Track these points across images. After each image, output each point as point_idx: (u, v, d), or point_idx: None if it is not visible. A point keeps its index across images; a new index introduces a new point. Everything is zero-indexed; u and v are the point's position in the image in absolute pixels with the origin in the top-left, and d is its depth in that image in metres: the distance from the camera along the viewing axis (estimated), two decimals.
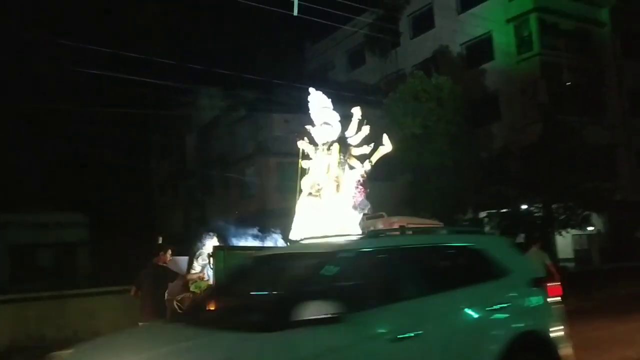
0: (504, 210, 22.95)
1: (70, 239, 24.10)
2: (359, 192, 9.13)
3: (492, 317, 5.15)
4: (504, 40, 27.15)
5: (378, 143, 9.47)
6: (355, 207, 9.02)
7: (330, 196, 9.02)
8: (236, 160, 24.40)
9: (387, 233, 5.85)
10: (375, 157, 9.36)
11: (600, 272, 21.83)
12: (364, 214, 9.16)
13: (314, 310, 3.98)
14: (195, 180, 27.93)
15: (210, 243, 9.12)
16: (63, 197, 25.59)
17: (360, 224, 8.95)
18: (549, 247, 20.74)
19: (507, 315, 5.27)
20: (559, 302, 5.69)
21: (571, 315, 11.64)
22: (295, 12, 14.96)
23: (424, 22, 30.40)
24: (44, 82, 24.65)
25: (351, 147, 9.40)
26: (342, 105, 27.36)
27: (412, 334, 4.47)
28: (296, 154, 24.51)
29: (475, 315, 5.07)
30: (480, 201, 23.16)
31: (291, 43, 35.82)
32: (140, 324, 7.57)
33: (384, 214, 9.77)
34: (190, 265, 9.14)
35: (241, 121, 24.59)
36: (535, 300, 5.55)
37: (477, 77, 27.94)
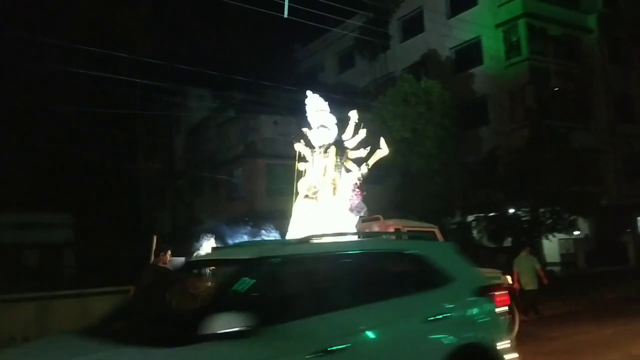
0: (492, 214, 23.08)
1: (56, 240, 23.88)
2: (356, 195, 9.14)
3: (431, 328, 4.78)
4: (492, 45, 27.35)
5: (369, 146, 9.51)
6: (351, 210, 9.03)
7: (327, 199, 9.04)
8: (225, 161, 24.33)
9: (319, 238, 5.26)
10: (372, 161, 9.34)
11: (586, 276, 22.02)
12: (360, 217, 9.18)
13: (224, 323, 3.69)
14: (184, 181, 27.81)
15: (208, 244, 9.20)
16: (49, 198, 25.37)
17: (356, 226, 9.01)
18: (536, 252, 20.89)
19: (448, 326, 4.89)
20: (507, 312, 5.43)
21: (558, 318, 11.77)
22: (286, 14, 14.96)
23: (413, 26, 30.55)
24: (30, 81, 24.43)
25: (348, 150, 9.41)
26: (331, 107, 27.32)
27: (337, 348, 4.12)
28: (285, 156, 24.39)
29: (412, 327, 4.72)
30: (468, 205, 23.28)
31: (281, 45, 35.87)
32: None
33: (380, 216, 9.80)
34: None
35: (230, 122, 24.54)
36: (480, 310, 5.21)
37: (466, 81, 28.11)
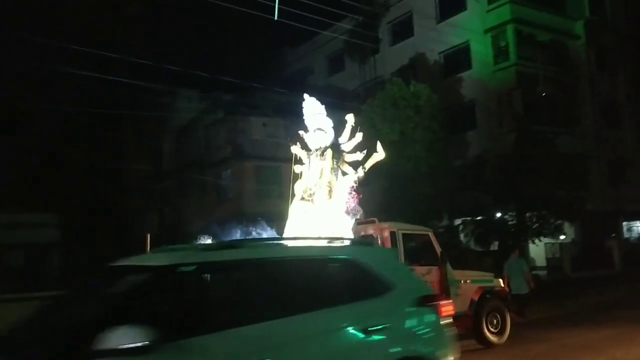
0: (479, 217, 23.19)
1: (41, 240, 23.63)
2: (352, 197, 9.32)
3: (364, 341, 4.38)
4: (481, 50, 27.53)
5: (359, 149, 9.59)
6: (347, 213, 9.21)
7: (323, 201, 9.19)
8: (213, 162, 24.27)
9: (246, 243, 5.01)
10: (369, 164, 9.61)
11: (571, 280, 22.20)
12: (356, 219, 9.33)
13: (121, 338, 3.33)
14: (171, 182, 27.69)
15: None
16: (35, 198, 25.12)
17: (352, 229, 9.15)
18: (523, 256, 21.01)
19: (384, 338, 4.47)
20: (451, 323, 5.08)
21: (543, 323, 11.84)
22: (276, 17, 14.97)
23: (403, 30, 30.69)
24: (15, 80, 24.20)
25: (344, 154, 9.64)
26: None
27: None
28: (274, 158, 24.38)
29: (343, 339, 4.36)
30: (455, 208, 23.38)
31: (271, 47, 35.85)
32: None
33: (375, 219, 9.86)
34: None
35: (219, 124, 24.49)
36: (420, 321, 4.83)
37: (455, 86, 28.27)
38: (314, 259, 4.86)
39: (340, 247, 5.35)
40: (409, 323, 4.80)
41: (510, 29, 26.99)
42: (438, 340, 4.89)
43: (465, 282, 10.16)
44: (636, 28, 31.07)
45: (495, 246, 22.68)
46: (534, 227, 22.18)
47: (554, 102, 27.62)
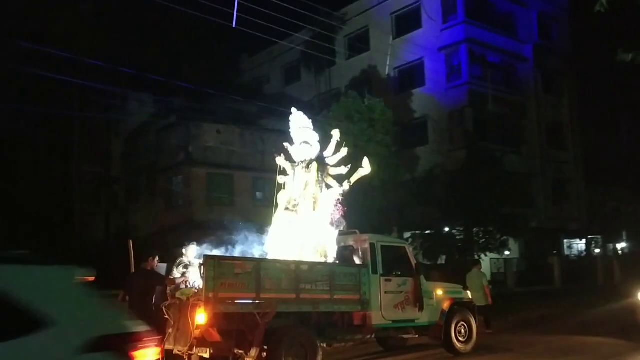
0: (428, 232, 23.59)
1: None
2: (337, 210, 9.61)
3: None
4: (435, 67, 28.15)
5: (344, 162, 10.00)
6: (332, 224, 9.47)
7: (307, 212, 9.40)
8: (164, 168, 23.82)
9: None
10: (354, 178, 9.96)
11: (514, 295, 22.78)
12: (340, 231, 9.57)
13: None
14: (120, 186, 27.04)
15: (192, 251, 9.12)
16: None
17: (336, 240, 9.43)
18: (468, 270, 21.47)
19: None
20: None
21: (486, 337, 12.09)
22: (234, 24, 14.92)
23: (359, 44, 31.08)
24: None
25: (329, 167, 9.89)
26: (275, 119, 27.22)
27: None
28: (227, 166, 24.06)
29: None
30: (405, 222, 23.72)
31: (228, 54, 35.63)
32: None
33: (357, 231, 10.02)
34: (169, 272, 9.12)
35: (171, 129, 24.10)
36: None
37: (408, 101, 28.79)
38: None
39: None
40: None
41: (463, 49, 27.73)
42: None
43: (437, 293, 10.52)
44: (580, 53, 32.47)
45: (442, 260, 23.11)
46: (480, 242, 22.73)
47: (503, 121, 28.50)
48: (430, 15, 28.88)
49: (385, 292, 9.60)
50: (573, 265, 29.21)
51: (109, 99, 23.67)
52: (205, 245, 9.25)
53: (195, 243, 9.19)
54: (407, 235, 24.20)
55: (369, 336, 9.56)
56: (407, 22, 30.12)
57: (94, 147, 27.89)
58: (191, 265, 8.91)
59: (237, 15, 14.91)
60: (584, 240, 33.13)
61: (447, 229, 23.66)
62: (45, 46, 15.79)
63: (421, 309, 9.87)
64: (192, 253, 9.08)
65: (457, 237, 23.29)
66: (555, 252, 29.77)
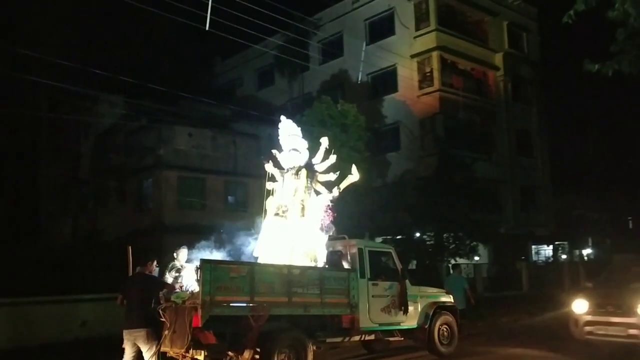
0: (399, 236, 23.76)
1: None
2: (327, 215, 9.87)
3: None
4: (407, 74, 28.41)
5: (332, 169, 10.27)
6: (322, 229, 9.72)
7: (296, 218, 9.62)
8: (134, 171, 23.49)
9: None
10: (343, 185, 10.24)
11: (483, 300, 23.05)
12: (329, 236, 9.85)
13: None
14: (89, 189, 26.59)
15: (183, 255, 9.18)
16: None
17: (326, 245, 9.71)
18: (438, 275, 21.71)
19: None
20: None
21: (469, 338, 12.24)
22: (207, 27, 14.84)
23: (333, 49, 31.21)
24: None
25: (317, 174, 10.16)
26: (248, 123, 27.18)
27: None
28: (198, 169, 23.83)
29: None
30: (377, 227, 23.84)
31: (201, 57, 35.40)
32: (125, 331, 7.84)
33: (345, 236, 10.31)
34: (161, 276, 9.12)
35: (142, 131, 23.80)
36: None
37: (381, 107, 28.99)
38: None
39: None
40: None
41: (435, 56, 28.07)
42: None
43: (421, 297, 10.86)
44: (549, 62, 33.15)
45: (413, 265, 23.28)
46: (450, 247, 22.97)
47: (473, 128, 28.91)
48: (403, 23, 29.17)
49: (373, 296, 9.92)
50: (540, 270, 29.71)
51: (78, 100, 23.30)
52: (183, 250, 9.23)
53: (186, 247, 9.25)
54: (378, 240, 24.32)
55: (357, 338, 9.77)
56: (380, 28, 30.36)
57: (63, 148, 27.42)
58: (183, 268, 8.98)
59: (210, 18, 14.82)
60: (551, 246, 33.73)
61: (417, 234, 23.85)
62: (11, 44, 15.47)
63: (406, 312, 10.19)
64: (184, 257, 9.15)
65: (428, 242, 23.50)
66: (523, 257, 30.24)
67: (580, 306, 10.69)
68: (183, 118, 23.06)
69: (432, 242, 23.36)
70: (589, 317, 10.45)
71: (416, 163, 26.66)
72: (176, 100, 22.66)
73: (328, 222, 9.85)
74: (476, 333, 13.61)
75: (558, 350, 10.89)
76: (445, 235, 23.04)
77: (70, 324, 13.32)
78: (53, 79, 16.75)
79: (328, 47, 31.46)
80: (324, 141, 10.44)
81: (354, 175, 10.40)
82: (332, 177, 10.21)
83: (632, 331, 9.78)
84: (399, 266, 10.61)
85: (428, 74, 28.32)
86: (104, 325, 13.62)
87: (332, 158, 10.31)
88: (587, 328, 10.44)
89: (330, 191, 10.07)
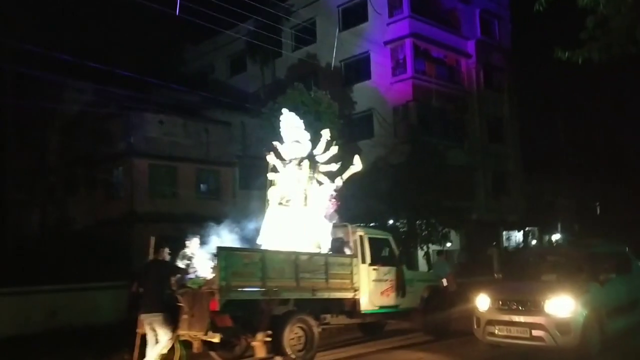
0: (372, 224, 23.81)
1: None
2: (331, 204, 10.47)
3: None
4: (380, 61, 28.38)
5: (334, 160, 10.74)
6: (326, 218, 10.30)
7: (300, 207, 10.14)
8: (104, 159, 23.07)
9: None
10: (346, 175, 10.84)
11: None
12: (333, 224, 10.46)
13: None
14: (57, 177, 26.04)
15: (194, 244, 9.51)
16: None
17: (330, 232, 10.29)
18: (412, 261, 21.89)
19: None
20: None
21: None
22: (178, 12, 14.57)
23: (306, 36, 30.98)
24: None
25: (319, 165, 10.72)
26: (220, 110, 26.88)
27: None
28: (170, 157, 23.58)
29: None
30: (350, 214, 23.82)
31: (171, 42, 34.77)
32: (142, 316, 8.30)
33: (347, 224, 10.85)
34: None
35: (112, 119, 23.34)
36: None
37: (354, 94, 28.92)
38: None
39: None
40: None
41: (408, 43, 28.07)
42: None
43: (417, 281, 11.57)
44: (521, 50, 33.47)
45: (386, 252, 23.37)
46: (423, 234, 23.14)
47: (446, 115, 29.06)
48: (376, 9, 29.06)
49: (373, 280, 10.55)
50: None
51: (45, 87, 22.72)
52: (194, 239, 9.49)
53: (197, 236, 9.59)
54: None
55: (358, 320, 10.48)
56: (353, 15, 30.21)
57: (29, 136, 26.76)
58: (194, 256, 9.36)
59: (180, 3, 14.55)
60: (521, 232, 34.24)
61: (391, 222, 23.95)
62: None
63: (404, 295, 10.77)
64: (195, 245, 9.49)
65: (401, 230, 23.62)
66: (494, 243, 30.63)
67: (482, 302, 9.12)
68: (154, 105, 22.70)
69: (405, 229, 23.48)
70: (490, 316, 8.86)
71: (389, 150, 26.69)
72: (146, 87, 22.27)
73: (332, 210, 10.41)
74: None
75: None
76: (418, 222, 23.18)
77: (38, 315, 13.10)
78: (18, 65, 16.29)
79: (301, 34, 31.22)
80: (325, 133, 11.00)
81: (357, 165, 10.94)
82: (333, 167, 10.75)
83: (537, 332, 8.19)
84: (397, 252, 11.31)
85: (401, 61, 28.33)
86: (75, 316, 13.45)
87: (334, 149, 10.84)
88: (489, 328, 8.84)
89: (333, 181, 10.61)
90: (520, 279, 9.73)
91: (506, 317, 8.63)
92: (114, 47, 30.75)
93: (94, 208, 23.08)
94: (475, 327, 9.17)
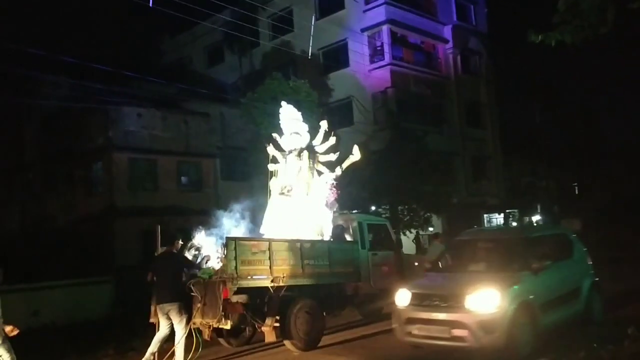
0: (355, 211, 23.93)
1: None
2: (332, 193, 10.75)
3: None
4: (358, 48, 28.39)
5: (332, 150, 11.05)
6: (326, 206, 10.63)
7: (301, 196, 10.45)
8: (83, 153, 22.84)
9: None
10: (345, 164, 11.18)
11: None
12: (334, 212, 10.83)
13: None
14: (35, 173, 25.74)
15: (201, 236, 9.79)
16: None
17: (332, 220, 10.68)
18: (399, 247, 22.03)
19: None
20: None
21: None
22: (151, 3, 14.42)
23: (283, 25, 30.84)
24: None
25: (318, 155, 11.04)
26: (197, 101, 26.69)
27: None
28: (149, 150, 23.48)
29: None
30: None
31: (147, 35, 34.40)
32: (158, 306, 8.64)
33: (347, 211, 11.51)
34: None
35: (89, 113, 23.09)
36: None
37: (333, 82, 28.92)
38: None
39: None
40: None
41: (385, 30, 28.11)
42: None
43: (414, 264, 12.03)
44: (496, 34, 33.68)
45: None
46: (405, 219, 23.33)
47: (424, 101, 29.22)
48: None
49: (373, 265, 11.07)
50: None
51: (20, 81, 22.38)
52: (201, 231, 9.77)
53: (203, 229, 9.86)
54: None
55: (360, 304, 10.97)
56: (330, 3, 30.15)
57: (5, 132, 26.39)
58: (201, 248, 9.69)
59: None
60: (502, 215, 34.67)
61: (373, 208, 24.09)
62: None
63: (402, 278, 10.91)
64: (202, 237, 9.80)
65: (383, 215, 23.77)
66: (475, 226, 30.97)
67: (402, 298, 7.96)
68: (131, 98, 22.48)
69: (387, 214, 23.64)
70: (410, 313, 7.76)
71: (369, 137, 26.74)
72: (123, 80, 22.05)
73: (332, 199, 10.70)
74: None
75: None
76: (399, 207, 23.36)
77: (20, 313, 12.99)
78: None
79: (278, 23, 31.07)
80: (323, 124, 11.35)
81: (355, 155, 11.23)
82: (332, 157, 11.07)
83: (457, 332, 7.18)
84: (394, 237, 11.84)
85: (379, 48, 28.37)
86: (58, 314, 13.36)
87: (332, 140, 11.16)
88: (408, 327, 7.75)
89: (333, 170, 10.91)
90: (447, 269, 8.88)
91: (425, 315, 7.55)
92: (90, 40, 30.37)
93: (74, 204, 22.88)
94: (394, 325, 8.10)
